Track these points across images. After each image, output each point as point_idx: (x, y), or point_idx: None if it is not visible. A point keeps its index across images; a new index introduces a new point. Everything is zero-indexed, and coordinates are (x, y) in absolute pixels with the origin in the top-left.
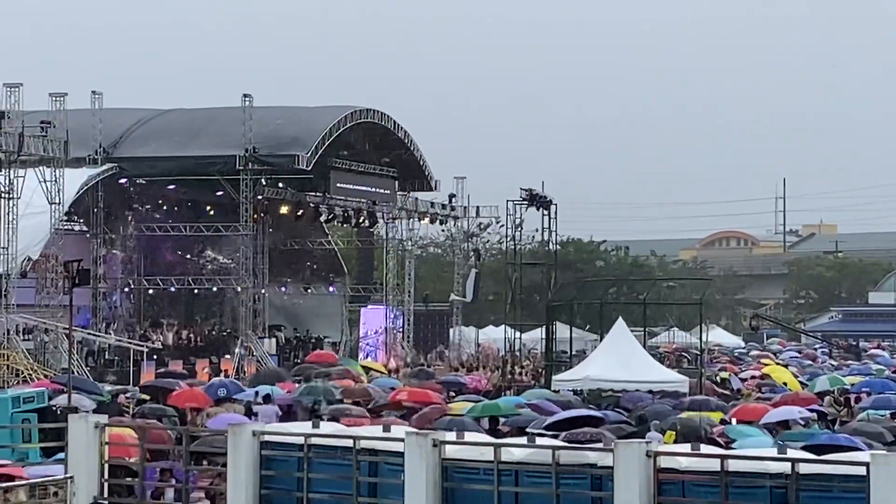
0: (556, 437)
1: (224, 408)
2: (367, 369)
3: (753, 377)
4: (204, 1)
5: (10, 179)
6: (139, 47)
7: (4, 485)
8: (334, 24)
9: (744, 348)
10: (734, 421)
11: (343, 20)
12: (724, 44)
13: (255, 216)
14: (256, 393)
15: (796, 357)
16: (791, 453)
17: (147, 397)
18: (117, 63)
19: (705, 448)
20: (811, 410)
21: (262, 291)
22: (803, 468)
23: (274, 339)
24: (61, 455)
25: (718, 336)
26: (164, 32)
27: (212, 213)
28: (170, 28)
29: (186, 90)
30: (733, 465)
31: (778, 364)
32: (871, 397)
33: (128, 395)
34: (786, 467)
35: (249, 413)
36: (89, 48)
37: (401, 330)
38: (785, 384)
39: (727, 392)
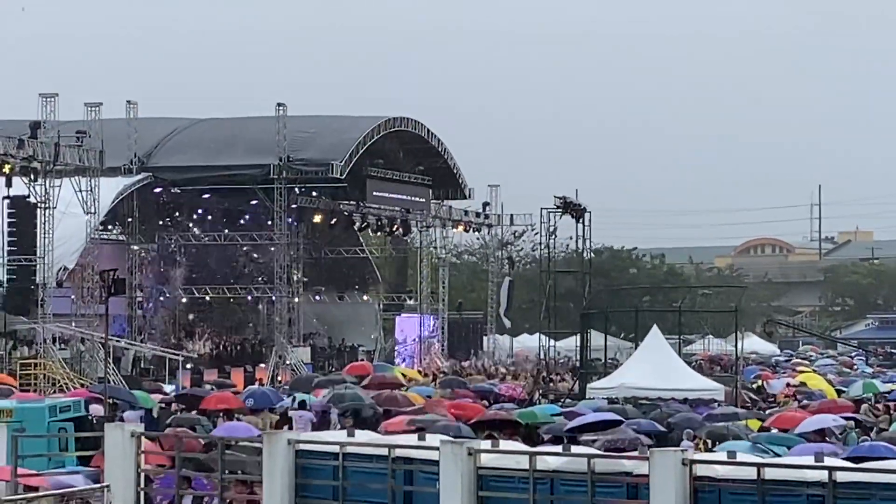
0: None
1: (259, 417)
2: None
3: (789, 385)
4: (235, 11)
5: (46, 189)
6: (172, 57)
7: (31, 494)
8: (366, 33)
9: (780, 355)
10: (774, 430)
11: (375, 28)
12: (760, 49)
13: (290, 225)
14: (293, 399)
15: (832, 364)
16: (829, 461)
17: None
18: (151, 73)
19: (741, 456)
20: (847, 418)
21: (297, 300)
22: (841, 476)
23: (308, 348)
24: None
25: (754, 344)
26: (197, 41)
27: (246, 222)
28: (202, 37)
29: (220, 100)
30: (770, 474)
31: (814, 371)
32: None
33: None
34: (823, 475)
35: (285, 420)
36: (124, 58)
37: (436, 338)
38: (821, 391)
39: (762, 399)
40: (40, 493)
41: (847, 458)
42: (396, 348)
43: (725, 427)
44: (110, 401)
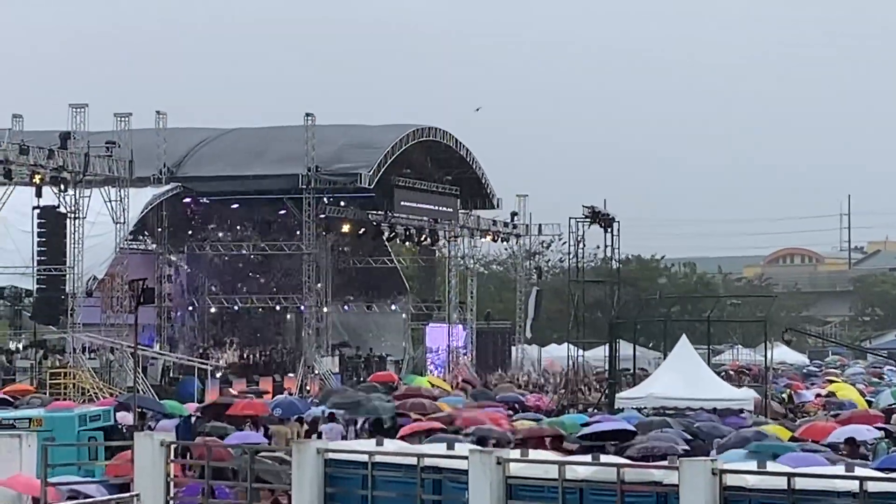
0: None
1: (288, 426)
2: (431, 386)
3: (819, 395)
4: (264, 21)
5: (76, 199)
6: (201, 67)
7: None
8: (393, 43)
9: (810, 365)
10: (807, 440)
11: (402, 38)
12: (789, 57)
13: (318, 235)
14: (323, 412)
15: (862, 374)
16: (859, 472)
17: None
18: (180, 83)
19: (771, 465)
20: (879, 429)
21: (325, 310)
22: (872, 486)
23: (337, 357)
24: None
25: (783, 353)
26: (224, 51)
27: (274, 231)
28: (230, 47)
29: (248, 110)
30: (801, 483)
31: (844, 381)
32: None
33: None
34: (854, 486)
35: (315, 430)
36: (154, 69)
37: (465, 348)
38: (851, 401)
39: (791, 409)
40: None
41: (877, 469)
42: (429, 356)
43: (746, 438)
44: (139, 410)
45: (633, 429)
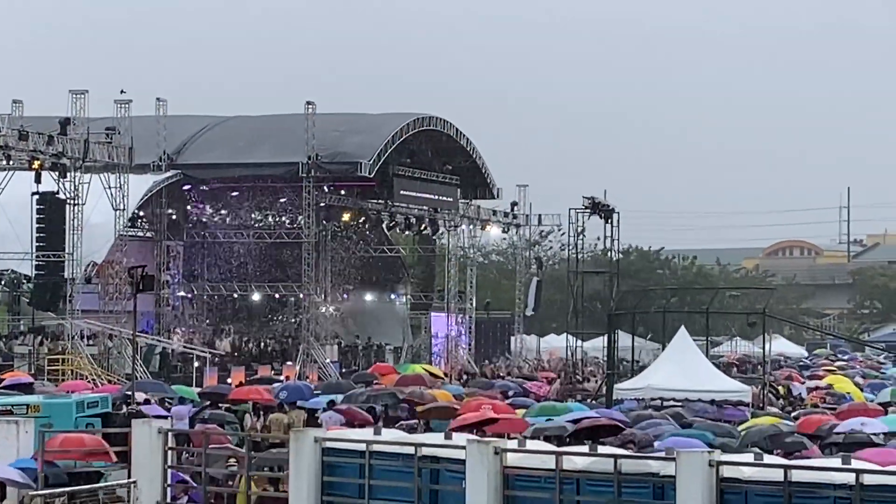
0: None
1: (289, 415)
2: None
3: (818, 388)
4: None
5: (75, 185)
6: (201, 54)
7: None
8: (393, 31)
9: (808, 358)
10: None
11: (402, 26)
12: (790, 50)
13: (318, 223)
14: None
15: (859, 367)
16: (856, 464)
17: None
18: (180, 70)
19: (768, 458)
20: None
21: (324, 298)
22: (868, 479)
23: (335, 346)
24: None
25: (782, 346)
26: (225, 40)
27: (274, 219)
28: (229, 34)
29: (248, 97)
30: (797, 476)
31: (840, 374)
32: None
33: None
34: (850, 478)
35: (314, 419)
36: (155, 55)
37: (464, 337)
38: (849, 394)
39: (789, 402)
40: (67, 489)
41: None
42: (434, 344)
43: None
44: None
45: (620, 422)
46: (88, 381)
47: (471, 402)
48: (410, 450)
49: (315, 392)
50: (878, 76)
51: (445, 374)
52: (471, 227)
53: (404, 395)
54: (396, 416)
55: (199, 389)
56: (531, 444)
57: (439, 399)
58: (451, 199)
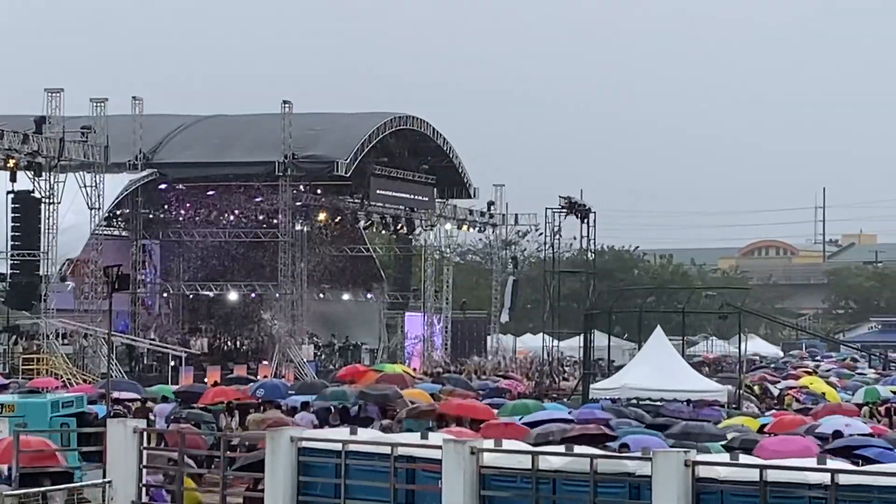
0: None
1: (265, 415)
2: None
3: (791, 388)
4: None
5: (50, 184)
6: (177, 53)
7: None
8: (369, 31)
9: (784, 357)
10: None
11: (378, 27)
12: (764, 50)
13: (294, 222)
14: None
15: (834, 367)
16: (831, 464)
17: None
18: (156, 70)
19: (743, 458)
20: None
21: (301, 297)
22: (843, 479)
23: (312, 346)
24: None
25: (757, 345)
26: (201, 39)
27: (250, 219)
28: (206, 35)
29: (225, 96)
30: (772, 476)
31: (815, 374)
32: None
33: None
34: (825, 478)
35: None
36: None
37: (439, 337)
38: (824, 394)
39: (764, 401)
40: (41, 489)
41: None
42: (406, 344)
43: (700, 426)
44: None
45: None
46: (62, 380)
47: (451, 401)
48: (386, 449)
49: (289, 393)
50: (855, 77)
51: (425, 374)
52: (447, 226)
53: (374, 399)
54: (369, 417)
55: (174, 388)
56: (507, 444)
57: (416, 399)
58: (428, 199)
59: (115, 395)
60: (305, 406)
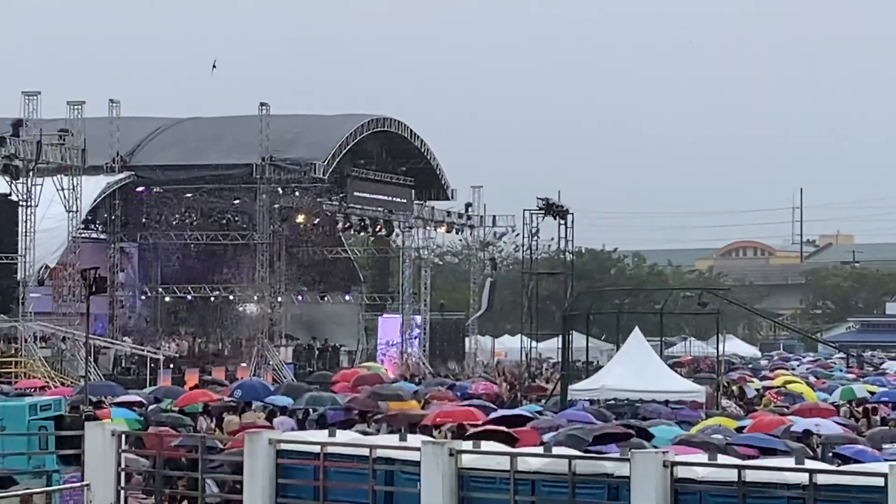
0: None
1: (244, 417)
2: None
3: (769, 388)
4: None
5: (27, 188)
6: (154, 56)
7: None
8: (348, 33)
9: (762, 358)
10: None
11: (356, 28)
12: (743, 52)
13: (272, 224)
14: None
15: (811, 367)
16: (809, 464)
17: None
18: (133, 72)
19: (721, 458)
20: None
21: (279, 300)
22: (821, 479)
23: (290, 348)
24: None
25: (735, 346)
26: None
27: (228, 221)
28: (184, 38)
29: (202, 99)
30: (751, 476)
31: (793, 374)
32: None
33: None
34: (803, 478)
35: (271, 419)
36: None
37: (417, 339)
38: (801, 395)
39: (742, 402)
40: (20, 492)
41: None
42: (379, 348)
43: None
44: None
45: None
46: (45, 381)
47: (436, 407)
48: (365, 451)
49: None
50: (832, 78)
51: (404, 377)
52: (425, 228)
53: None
54: (350, 420)
55: (151, 389)
56: (485, 446)
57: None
58: (406, 201)
59: (122, 398)
60: (284, 410)
